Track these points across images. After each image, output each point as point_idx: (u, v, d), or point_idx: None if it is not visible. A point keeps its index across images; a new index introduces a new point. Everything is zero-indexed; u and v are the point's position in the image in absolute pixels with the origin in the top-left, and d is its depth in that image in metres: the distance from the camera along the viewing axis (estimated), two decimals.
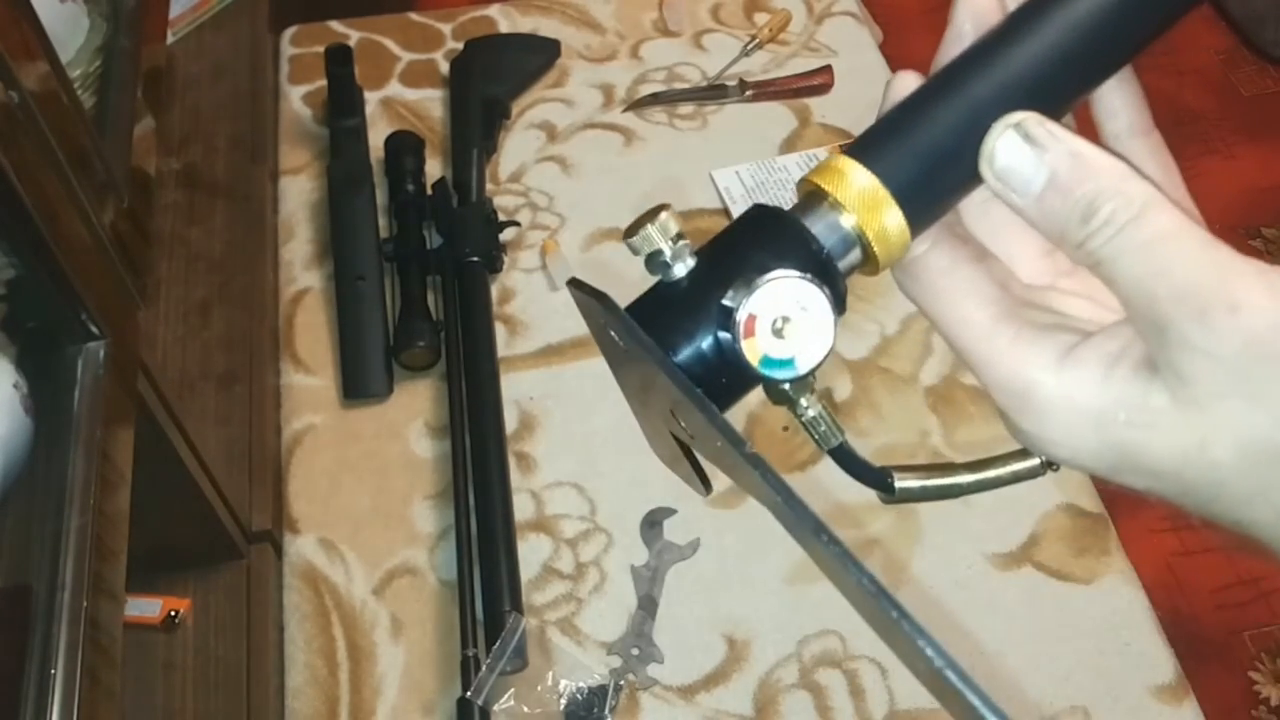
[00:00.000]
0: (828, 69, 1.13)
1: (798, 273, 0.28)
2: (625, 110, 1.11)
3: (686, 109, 1.12)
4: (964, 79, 0.30)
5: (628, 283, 1.07)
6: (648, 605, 0.79)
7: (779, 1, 1.22)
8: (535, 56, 1.15)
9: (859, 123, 1.10)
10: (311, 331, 0.95)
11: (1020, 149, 0.28)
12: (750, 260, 0.29)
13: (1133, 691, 0.76)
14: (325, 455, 0.87)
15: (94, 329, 0.56)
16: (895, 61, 1.20)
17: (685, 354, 0.31)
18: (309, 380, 0.92)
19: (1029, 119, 0.28)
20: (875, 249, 0.29)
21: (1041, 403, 0.28)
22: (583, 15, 1.21)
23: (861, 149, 0.30)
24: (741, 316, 0.29)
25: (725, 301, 0.30)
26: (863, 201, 0.28)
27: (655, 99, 1.12)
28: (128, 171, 0.65)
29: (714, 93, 1.12)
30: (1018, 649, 0.78)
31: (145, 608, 0.76)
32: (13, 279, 0.54)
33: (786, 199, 1.01)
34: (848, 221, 0.29)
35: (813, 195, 0.30)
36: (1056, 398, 0.28)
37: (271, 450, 0.86)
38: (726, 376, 0.31)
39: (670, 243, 0.34)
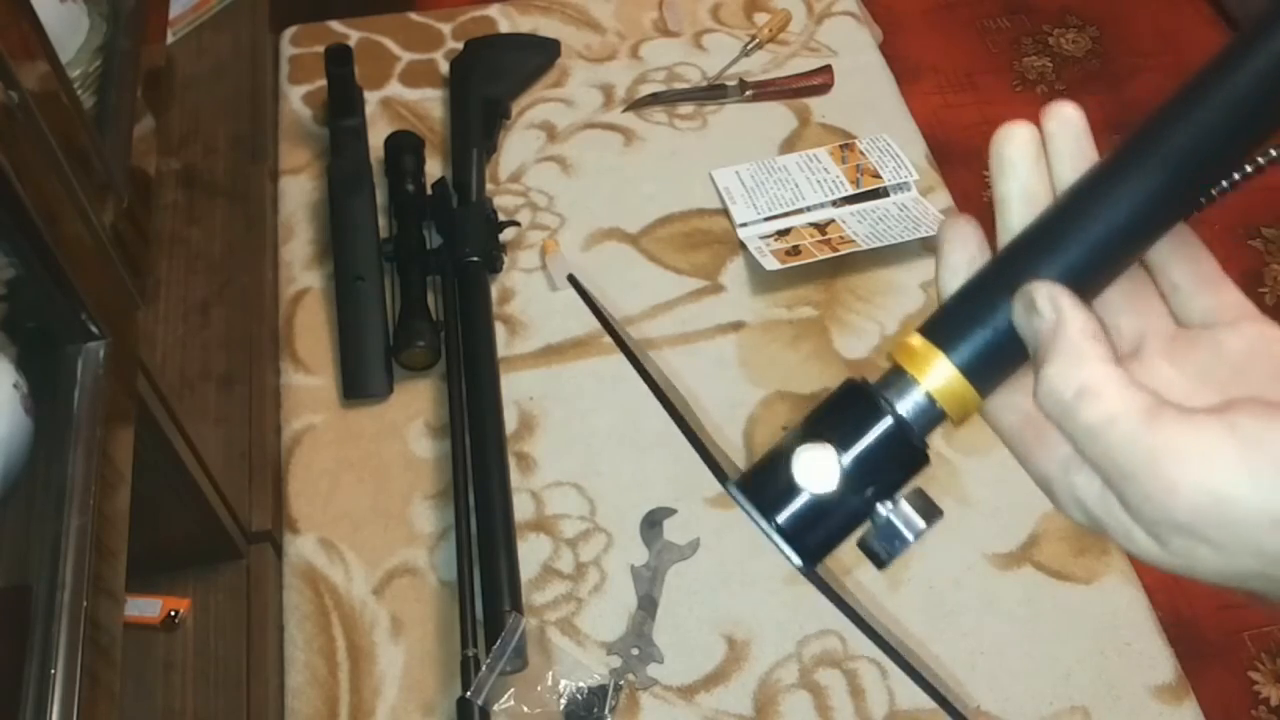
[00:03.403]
0: (828, 69, 1.13)
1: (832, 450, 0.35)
2: (625, 110, 1.11)
3: (686, 109, 1.12)
4: (1023, 261, 0.34)
5: (627, 283, 1.08)
6: (648, 605, 0.79)
7: (779, 1, 1.22)
8: (535, 56, 1.15)
9: (859, 123, 1.10)
10: (311, 331, 0.95)
11: (1022, 314, 0.32)
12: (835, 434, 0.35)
13: (1133, 691, 0.76)
14: (325, 455, 0.87)
15: (94, 329, 0.57)
16: (895, 61, 1.20)
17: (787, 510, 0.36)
18: (309, 380, 0.92)
19: (1032, 286, 0.32)
20: (952, 418, 0.35)
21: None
22: (583, 15, 1.21)
23: (937, 332, 0.35)
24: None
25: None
26: (944, 393, 0.34)
27: (655, 99, 1.12)
28: (127, 171, 0.65)
29: (714, 93, 1.12)
30: (1018, 649, 0.78)
31: (145, 607, 0.76)
32: (13, 279, 0.54)
33: (786, 199, 1.01)
34: (928, 398, 0.35)
35: (897, 372, 0.35)
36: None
37: (271, 450, 0.86)
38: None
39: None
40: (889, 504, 0.35)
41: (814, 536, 0.36)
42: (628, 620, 0.79)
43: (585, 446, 0.88)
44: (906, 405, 0.34)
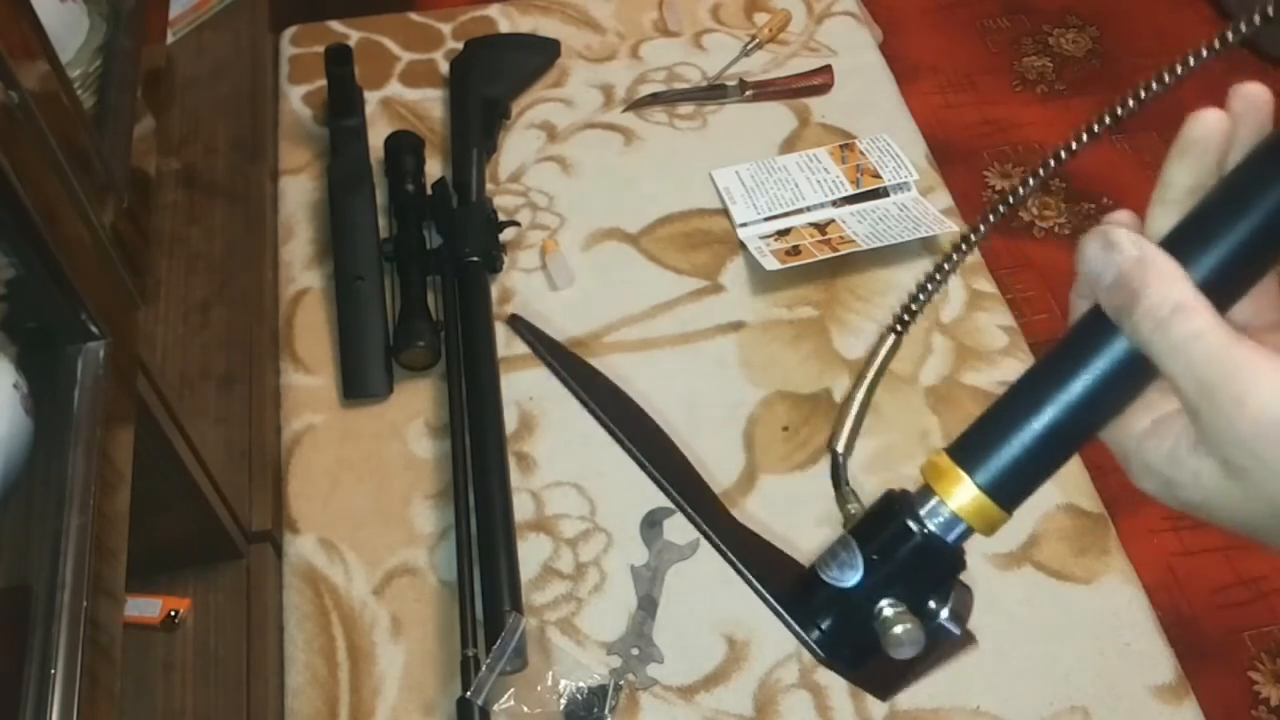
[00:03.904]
0: (828, 69, 1.13)
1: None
2: (625, 110, 1.11)
3: (686, 109, 1.12)
4: (1044, 389, 0.35)
5: (628, 283, 1.07)
6: (648, 605, 0.79)
7: (779, 1, 1.22)
8: (535, 56, 1.15)
9: (859, 123, 1.10)
10: (311, 331, 0.95)
11: (1099, 251, 0.34)
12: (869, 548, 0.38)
13: (1133, 691, 0.76)
14: (325, 455, 0.87)
15: (94, 329, 0.57)
16: (895, 61, 1.20)
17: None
18: (309, 380, 0.92)
19: (1110, 228, 0.34)
20: (980, 532, 0.37)
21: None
22: (583, 15, 1.21)
23: (962, 452, 0.37)
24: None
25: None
26: (968, 512, 0.36)
27: (655, 99, 1.12)
28: (127, 171, 0.65)
29: (714, 93, 1.12)
30: (1018, 649, 0.78)
31: (145, 607, 0.76)
32: (13, 279, 0.54)
33: (786, 199, 1.01)
34: (954, 515, 0.37)
35: (927, 490, 0.37)
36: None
37: (271, 450, 0.86)
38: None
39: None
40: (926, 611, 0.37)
41: (854, 640, 0.38)
42: (628, 620, 0.79)
43: (585, 446, 0.88)
44: (935, 522, 0.37)
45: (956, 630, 0.37)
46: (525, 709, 0.73)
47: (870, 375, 0.43)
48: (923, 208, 1.01)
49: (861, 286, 0.98)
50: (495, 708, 0.72)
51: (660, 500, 0.84)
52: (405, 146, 1.02)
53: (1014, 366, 0.92)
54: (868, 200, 1.02)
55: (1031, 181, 0.39)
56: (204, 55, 1.11)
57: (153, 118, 0.72)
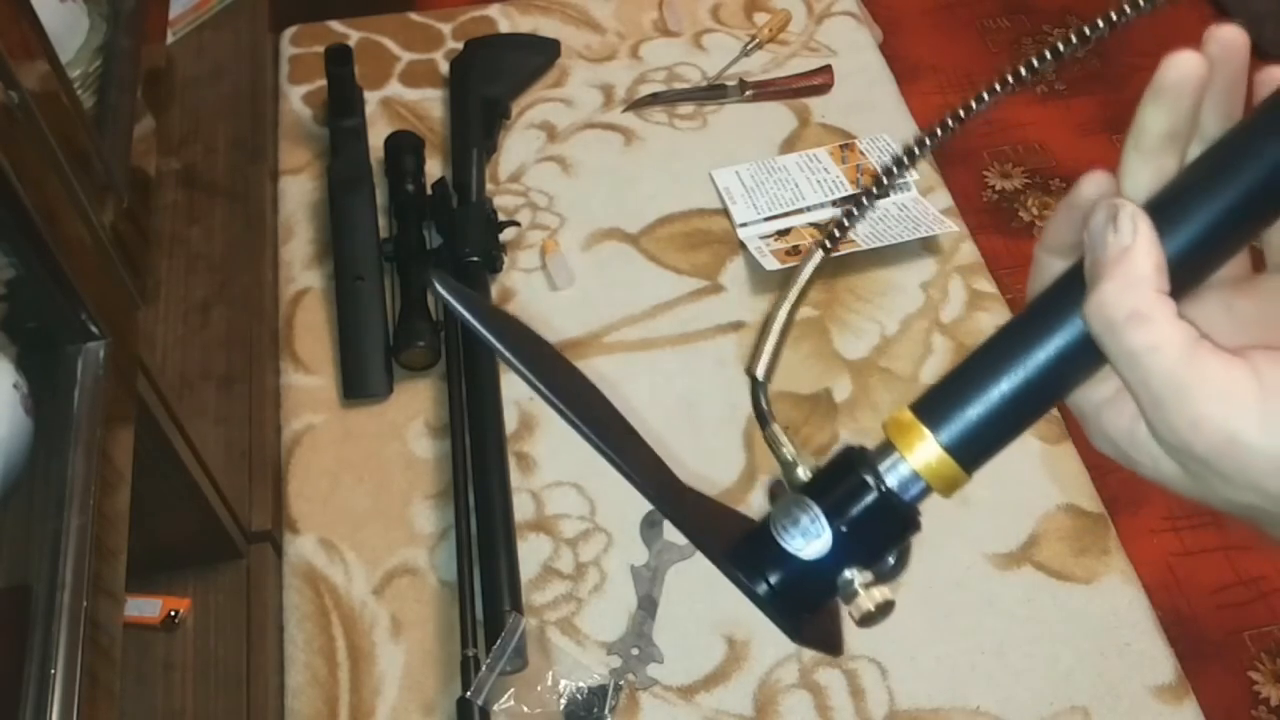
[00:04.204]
0: (828, 69, 1.13)
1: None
2: (625, 110, 1.11)
3: (686, 109, 1.12)
4: (1010, 357, 0.34)
5: (628, 283, 1.07)
6: (648, 605, 0.79)
7: (779, 1, 1.22)
8: (535, 56, 1.15)
9: (859, 123, 1.10)
10: (311, 331, 0.95)
11: (1102, 223, 0.32)
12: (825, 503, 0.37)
13: (1133, 691, 0.76)
14: (325, 455, 0.87)
15: (94, 329, 0.57)
16: (895, 61, 1.20)
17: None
18: (309, 380, 0.92)
19: (1121, 206, 0.32)
20: (939, 492, 0.36)
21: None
22: (583, 15, 1.21)
23: (927, 409, 0.35)
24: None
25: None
26: (929, 471, 0.35)
27: (655, 99, 1.12)
28: (127, 171, 0.65)
29: (714, 93, 1.12)
30: (1018, 649, 0.78)
31: (145, 608, 0.76)
32: (13, 279, 0.54)
33: (786, 199, 1.01)
34: (914, 474, 0.36)
35: (888, 447, 0.36)
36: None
37: (271, 450, 0.86)
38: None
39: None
40: (861, 572, 0.36)
41: (800, 596, 0.37)
42: (628, 620, 0.79)
43: (585, 446, 0.87)
44: (894, 479, 0.36)
45: (898, 575, 0.37)
46: (525, 709, 0.73)
47: (794, 295, 0.41)
48: (923, 208, 1.01)
49: (861, 286, 0.98)
50: (495, 708, 0.72)
51: None
52: (405, 146, 1.02)
53: None
54: None
55: (951, 124, 0.38)
56: (204, 55, 1.11)
57: (153, 118, 0.72)
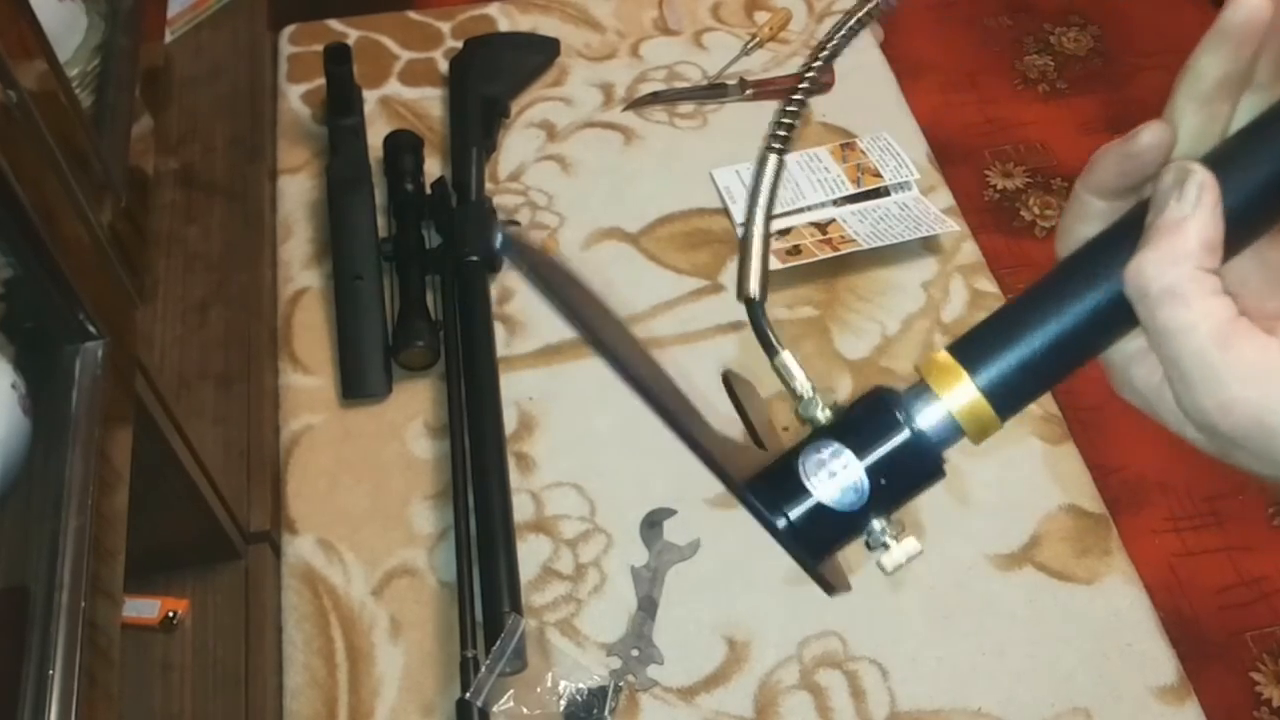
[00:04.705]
0: (828, 68, 1.13)
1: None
2: (625, 109, 1.11)
3: (686, 108, 1.11)
4: (1054, 304, 0.34)
5: (628, 282, 1.07)
6: (648, 606, 0.79)
7: (779, 0, 1.22)
8: (535, 55, 1.15)
9: (860, 122, 1.10)
10: (310, 331, 0.94)
11: (1170, 184, 0.32)
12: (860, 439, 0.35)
13: (1134, 692, 0.76)
14: (324, 455, 0.87)
15: (92, 329, 0.56)
16: (896, 60, 1.20)
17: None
18: (307, 380, 0.92)
19: (1193, 171, 0.32)
20: (970, 437, 0.36)
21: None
22: (582, 14, 1.20)
23: (966, 351, 0.35)
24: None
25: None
26: (964, 413, 0.35)
27: (655, 98, 1.11)
28: (126, 171, 0.65)
29: (714, 92, 1.12)
30: (1019, 650, 0.77)
31: (143, 608, 0.76)
32: (11, 279, 0.54)
33: (787, 199, 1.01)
34: (949, 416, 0.35)
35: (923, 386, 0.35)
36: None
37: (270, 450, 0.86)
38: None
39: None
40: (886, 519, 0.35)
41: (822, 539, 0.36)
42: (628, 621, 0.79)
43: (585, 446, 0.87)
44: (927, 420, 0.35)
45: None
46: (525, 710, 0.73)
47: (763, 203, 0.40)
48: (923, 207, 1.01)
49: (862, 286, 0.98)
50: (495, 709, 0.72)
51: (660, 500, 0.84)
52: (404, 146, 1.02)
53: None
54: (868, 199, 1.01)
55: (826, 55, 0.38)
56: (202, 54, 1.11)
57: (151, 117, 0.72)
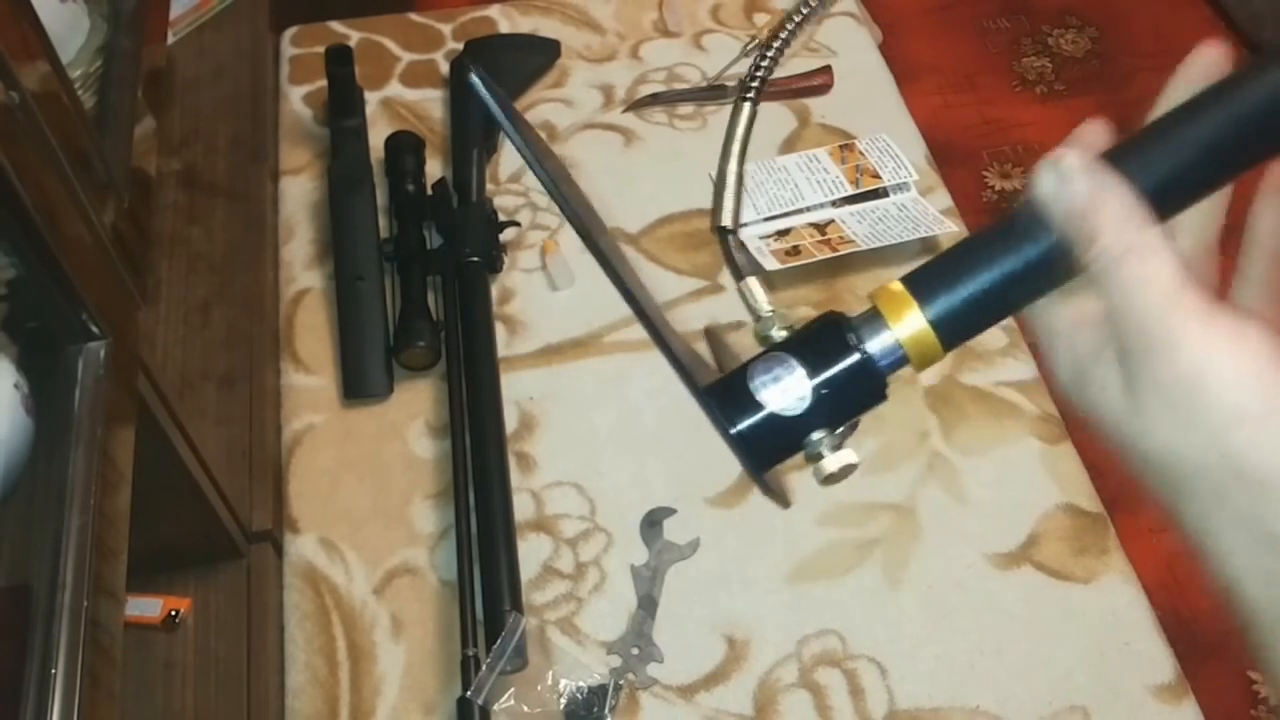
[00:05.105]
0: (827, 69, 1.13)
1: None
2: (625, 110, 1.11)
3: (686, 109, 1.12)
4: (1002, 248, 0.36)
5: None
6: (648, 605, 0.79)
7: (779, 2, 1.22)
8: (535, 57, 1.15)
9: (859, 123, 1.10)
10: (312, 331, 0.95)
11: (1054, 182, 0.34)
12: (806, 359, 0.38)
13: (1132, 691, 0.76)
14: (325, 455, 0.87)
15: (94, 329, 0.57)
16: (895, 62, 1.20)
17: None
18: (309, 380, 0.92)
19: (1069, 156, 0.34)
20: (914, 365, 0.37)
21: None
22: (583, 15, 1.21)
23: (918, 283, 0.37)
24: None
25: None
26: (911, 342, 0.36)
27: (655, 99, 1.12)
28: (128, 171, 0.65)
29: (714, 93, 1.12)
30: (1017, 649, 0.78)
31: (145, 607, 0.76)
32: (13, 279, 0.54)
33: (786, 199, 1.01)
34: (896, 344, 0.37)
35: (874, 313, 0.37)
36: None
37: (272, 450, 0.87)
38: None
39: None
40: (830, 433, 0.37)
41: (768, 447, 0.38)
42: (628, 620, 0.79)
43: (585, 446, 0.88)
44: (875, 345, 0.37)
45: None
46: (525, 708, 0.73)
47: (740, 136, 0.41)
48: (922, 208, 1.01)
49: (861, 286, 0.98)
50: (495, 707, 0.72)
51: (660, 500, 0.84)
52: (405, 147, 1.02)
53: (1014, 366, 0.92)
54: (867, 200, 1.02)
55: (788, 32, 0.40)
56: (204, 55, 1.11)
57: (153, 118, 0.72)
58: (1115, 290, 0.33)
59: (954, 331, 0.36)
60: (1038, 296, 0.37)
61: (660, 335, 0.40)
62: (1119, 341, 0.33)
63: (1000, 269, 0.35)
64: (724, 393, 0.38)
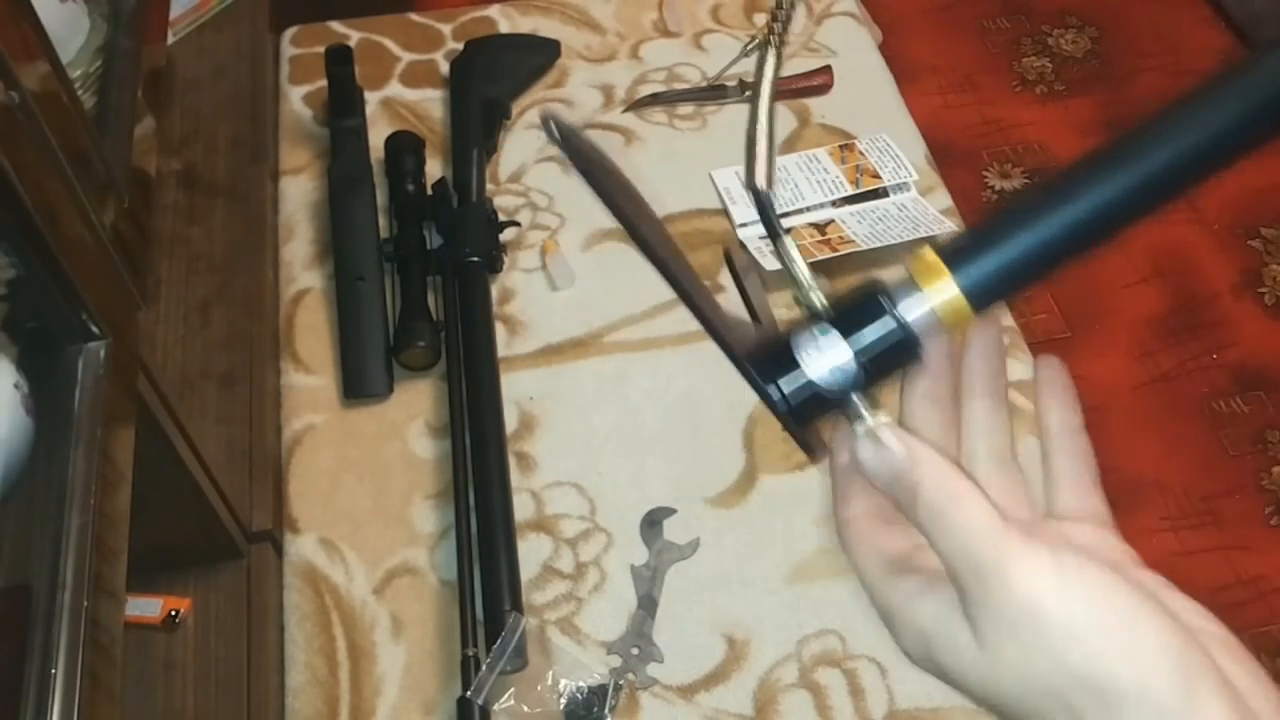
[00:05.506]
0: (827, 69, 1.13)
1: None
2: (625, 110, 1.11)
3: (686, 109, 1.12)
4: (1031, 218, 0.37)
5: (628, 282, 1.08)
6: (648, 605, 0.79)
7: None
8: (535, 57, 1.15)
9: (859, 123, 1.10)
10: (312, 331, 0.95)
11: (872, 451, 0.37)
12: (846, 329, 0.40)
13: None
14: (325, 455, 0.87)
15: (94, 329, 0.57)
16: (895, 62, 1.21)
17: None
18: (309, 380, 0.92)
19: (878, 428, 0.38)
20: (948, 330, 0.39)
21: (897, 625, 0.39)
22: (583, 15, 1.21)
23: (952, 256, 0.38)
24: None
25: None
26: (944, 308, 0.38)
27: (655, 99, 1.12)
28: (128, 172, 0.65)
29: (714, 93, 1.12)
30: None
31: (145, 607, 0.76)
32: (13, 279, 0.54)
33: (786, 199, 1.01)
34: (931, 311, 0.39)
35: (911, 284, 0.39)
36: (905, 622, 0.38)
37: (272, 450, 0.87)
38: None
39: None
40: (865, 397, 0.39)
41: (811, 410, 0.40)
42: (628, 620, 0.79)
43: (585, 446, 0.88)
44: (910, 311, 0.38)
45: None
46: (525, 708, 0.73)
47: (766, 90, 0.42)
48: (922, 208, 1.01)
49: None
50: (495, 707, 0.72)
51: (660, 500, 0.84)
52: (405, 147, 1.02)
53: (1014, 366, 0.92)
54: (867, 200, 1.02)
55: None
56: (204, 55, 1.11)
57: (153, 118, 0.72)
58: (944, 540, 0.35)
59: (985, 297, 0.38)
60: (1066, 264, 0.38)
61: (707, 317, 0.43)
62: (959, 590, 0.35)
63: (1028, 239, 0.37)
64: (768, 361, 0.40)
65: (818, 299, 0.41)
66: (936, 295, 0.38)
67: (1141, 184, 0.36)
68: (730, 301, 0.47)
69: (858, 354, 0.39)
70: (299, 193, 1.04)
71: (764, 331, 0.43)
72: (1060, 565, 0.33)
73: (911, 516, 0.36)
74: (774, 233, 0.43)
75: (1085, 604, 0.33)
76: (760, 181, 0.43)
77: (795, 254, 0.42)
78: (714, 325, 0.42)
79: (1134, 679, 0.32)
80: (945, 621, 0.36)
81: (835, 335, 0.39)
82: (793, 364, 0.39)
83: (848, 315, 0.39)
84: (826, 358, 0.39)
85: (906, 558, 0.39)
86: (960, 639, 0.35)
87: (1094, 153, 0.37)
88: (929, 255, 0.38)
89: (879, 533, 0.40)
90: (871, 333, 0.39)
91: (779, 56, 0.43)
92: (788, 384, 0.39)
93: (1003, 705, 0.35)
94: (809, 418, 0.40)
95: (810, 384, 0.39)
